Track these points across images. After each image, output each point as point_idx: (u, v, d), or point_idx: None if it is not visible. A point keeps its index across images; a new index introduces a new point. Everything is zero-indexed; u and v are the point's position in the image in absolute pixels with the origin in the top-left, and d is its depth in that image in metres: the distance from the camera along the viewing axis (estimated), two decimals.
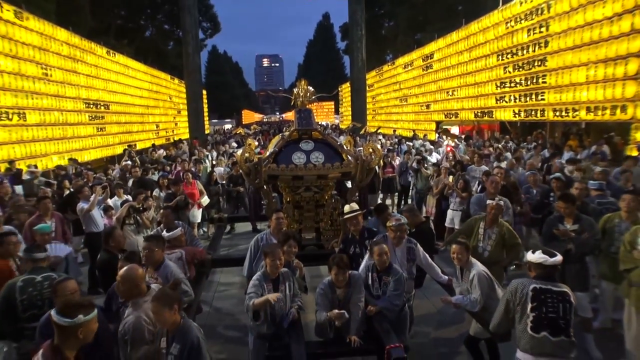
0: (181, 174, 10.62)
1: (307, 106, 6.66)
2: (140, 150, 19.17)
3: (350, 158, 6.05)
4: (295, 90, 6.83)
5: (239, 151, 6.07)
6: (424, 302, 6.50)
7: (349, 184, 8.35)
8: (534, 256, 3.55)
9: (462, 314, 5.66)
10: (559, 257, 3.52)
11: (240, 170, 6.48)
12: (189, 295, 4.29)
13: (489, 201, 5.49)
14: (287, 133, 6.40)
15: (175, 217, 7.55)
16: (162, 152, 17.58)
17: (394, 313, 4.29)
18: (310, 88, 6.83)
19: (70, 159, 13.74)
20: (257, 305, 3.98)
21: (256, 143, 6.87)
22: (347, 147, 6.46)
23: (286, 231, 5.08)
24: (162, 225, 5.79)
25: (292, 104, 6.93)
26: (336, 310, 4.04)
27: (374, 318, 4.22)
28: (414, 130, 23.29)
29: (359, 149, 8.07)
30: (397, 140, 20.01)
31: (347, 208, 5.24)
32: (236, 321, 6.16)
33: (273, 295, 4.00)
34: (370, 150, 5.99)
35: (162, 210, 5.87)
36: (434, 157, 13.11)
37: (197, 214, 9.37)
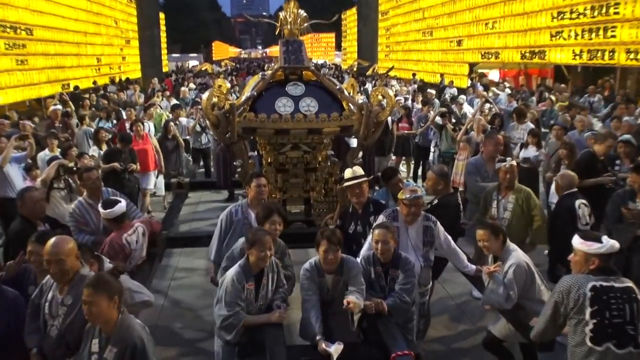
0: (127, 124, 10.57)
1: (298, 37, 6.53)
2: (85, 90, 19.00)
3: (352, 107, 5.97)
4: (281, 14, 6.68)
5: (205, 95, 5.98)
6: (444, 298, 6.60)
7: (353, 143, 8.33)
8: (577, 243, 3.61)
9: (489, 314, 5.74)
10: (609, 243, 3.54)
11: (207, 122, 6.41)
12: (149, 304, 4.33)
13: (499, 164, 5.65)
14: (269, 72, 6.30)
15: (115, 184, 7.52)
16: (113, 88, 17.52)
17: (403, 312, 4.31)
18: (302, 12, 6.68)
19: None
20: (248, 325, 4.05)
21: (228, 85, 6.75)
22: (348, 93, 6.37)
23: (268, 204, 5.07)
24: (85, 194, 5.71)
25: (276, 33, 6.80)
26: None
27: (378, 318, 4.25)
28: (441, 75, 23.15)
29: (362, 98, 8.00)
30: (416, 86, 19.90)
31: (347, 173, 5.23)
32: (198, 319, 6.22)
33: (276, 316, 4.14)
34: (380, 97, 5.90)
35: (84, 173, 5.72)
36: (465, 109, 13.07)
37: (150, 178, 9.40)
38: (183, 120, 11.47)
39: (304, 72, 6.22)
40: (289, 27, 6.57)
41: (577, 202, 5.60)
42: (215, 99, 5.80)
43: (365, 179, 5.18)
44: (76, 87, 19.19)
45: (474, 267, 4.98)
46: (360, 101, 6.17)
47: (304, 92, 6.02)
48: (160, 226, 5.88)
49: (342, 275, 4.27)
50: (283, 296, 4.35)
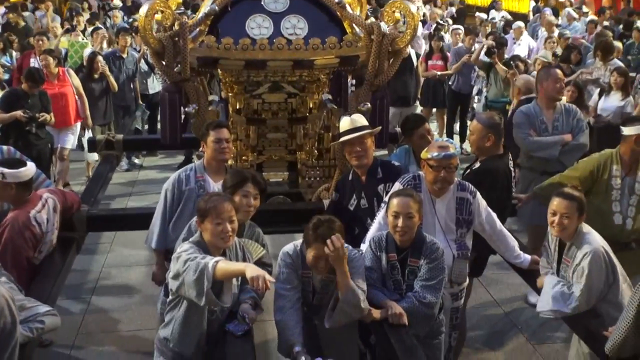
0: (32, 59, 10.55)
1: None
2: None
3: (357, 30, 5.93)
4: None
5: (143, 8, 5.90)
6: (487, 303, 6.69)
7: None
8: None
9: (552, 325, 5.78)
10: None
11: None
12: (44, 328, 4.19)
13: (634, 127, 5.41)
14: None
15: (17, 142, 7.50)
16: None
17: (424, 320, 4.33)
18: None
19: None
20: (222, 274, 3.80)
21: None
22: (352, 11, 6.32)
23: (239, 170, 5.03)
24: None
25: None
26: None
27: (390, 330, 4.25)
28: None
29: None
30: (454, 9, 19.78)
31: (344, 123, 5.18)
32: (134, 337, 6.25)
33: (260, 276, 3.66)
34: (398, 14, 5.84)
35: None
36: (524, 43, 13.03)
37: (70, 135, 9.50)
38: (135, 56, 11.39)
39: None
40: None
41: None
42: (158, 16, 5.72)
43: (370, 131, 5.13)
44: None
45: (528, 257, 5.01)
46: (369, 22, 6.12)
47: (287, 7, 5.94)
48: (79, 200, 5.85)
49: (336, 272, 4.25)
50: (254, 297, 4.32)
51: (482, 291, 6.69)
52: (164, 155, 11.27)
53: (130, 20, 16.08)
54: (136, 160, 11.12)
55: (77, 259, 6.42)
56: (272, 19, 5.84)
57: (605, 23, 15.00)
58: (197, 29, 5.80)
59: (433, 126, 11.84)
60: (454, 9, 20.73)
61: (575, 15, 16.00)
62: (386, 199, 4.65)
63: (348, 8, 6.07)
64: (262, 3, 5.94)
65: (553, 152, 6.36)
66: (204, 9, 6.03)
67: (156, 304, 5.11)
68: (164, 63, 5.76)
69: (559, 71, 6.91)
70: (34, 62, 10.39)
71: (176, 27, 5.67)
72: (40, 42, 11.02)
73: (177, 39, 5.62)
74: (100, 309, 6.72)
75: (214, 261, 3.77)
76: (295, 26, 5.83)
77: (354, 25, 5.96)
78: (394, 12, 5.87)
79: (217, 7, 5.82)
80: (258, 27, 5.79)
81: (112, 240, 7.94)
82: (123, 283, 7.19)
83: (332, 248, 3.97)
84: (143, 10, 5.79)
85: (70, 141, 9.43)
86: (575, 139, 6.41)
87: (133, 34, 12.05)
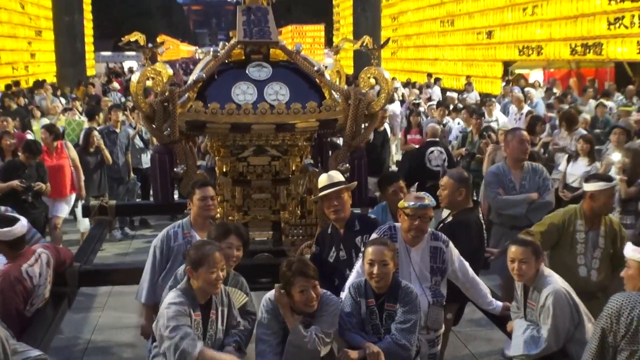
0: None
1: (263, 3, 6.62)
2: None
3: (336, 95, 6.05)
4: None
5: (135, 75, 6.02)
6: (464, 357, 6.60)
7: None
8: (630, 251, 3.70)
9: None
10: None
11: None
12: None
13: (602, 183, 5.41)
14: (222, 50, 6.36)
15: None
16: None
17: None
18: None
19: None
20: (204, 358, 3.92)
21: (169, 70, 6.80)
22: (332, 79, 6.45)
23: (223, 223, 5.04)
24: None
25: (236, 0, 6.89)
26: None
27: None
28: (467, 77, 23.38)
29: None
30: (431, 90, 20.08)
31: (322, 179, 5.24)
32: None
33: None
34: (372, 80, 5.99)
35: None
36: (499, 117, 13.24)
37: (64, 206, 9.47)
38: (128, 131, 11.50)
39: (270, 50, 6.31)
40: None
41: (432, 148, 9.25)
42: (149, 82, 5.83)
43: (346, 185, 5.18)
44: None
45: (500, 303, 5.01)
46: (346, 87, 6.23)
47: (270, 75, 6.08)
48: (72, 255, 5.87)
49: (314, 316, 4.25)
50: (238, 341, 4.31)
51: (460, 345, 6.65)
52: (156, 229, 11.24)
53: (124, 100, 16.44)
54: (129, 231, 11.13)
55: (69, 320, 6.41)
56: (256, 86, 5.96)
57: (592, 101, 15.22)
58: (186, 95, 5.89)
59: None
60: (431, 90, 21.11)
61: (533, 90, 16.48)
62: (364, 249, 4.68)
63: (327, 76, 6.22)
64: (247, 71, 6.08)
65: (520, 210, 6.47)
66: (193, 76, 6.16)
67: None
68: (154, 126, 5.84)
69: (524, 133, 7.07)
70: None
71: (166, 93, 5.77)
72: (5, 123, 10.90)
73: (167, 103, 5.70)
74: None
75: (198, 350, 3.83)
76: (278, 92, 5.94)
77: (332, 91, 6.10)
78: (368, 77, 6.02)
79: (204, 75, 5.96)
80: (243, 93, 5.90)
81: (105, 304, 7.85)
82: (114, 345, 7.03)
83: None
84: (135, 77, 5.90)
85: (64, 211, 9.40)
86: (541, 197, 6.52)
87: (125, 112, 12.29)
